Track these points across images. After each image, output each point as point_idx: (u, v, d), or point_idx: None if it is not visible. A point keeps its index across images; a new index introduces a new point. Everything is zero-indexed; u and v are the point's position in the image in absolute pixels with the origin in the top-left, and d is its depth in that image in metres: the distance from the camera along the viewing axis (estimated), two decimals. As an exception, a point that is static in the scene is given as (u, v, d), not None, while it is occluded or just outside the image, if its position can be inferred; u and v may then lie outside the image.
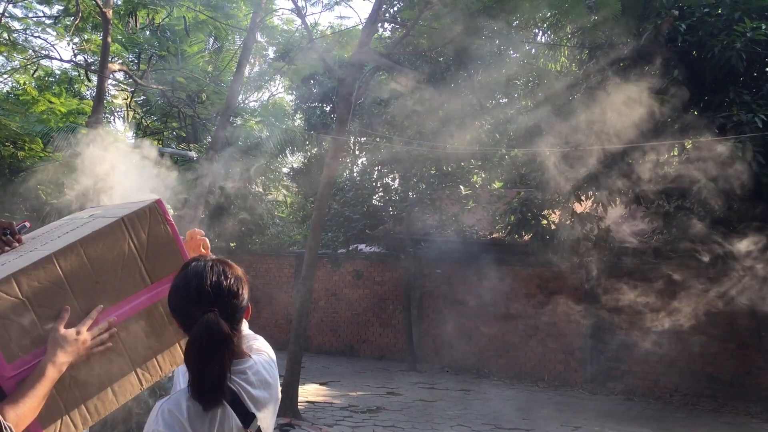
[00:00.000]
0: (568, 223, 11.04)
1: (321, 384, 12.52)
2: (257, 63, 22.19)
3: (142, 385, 2.00)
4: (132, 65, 16.26)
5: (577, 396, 12.31)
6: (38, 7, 15.76)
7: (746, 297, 8.66)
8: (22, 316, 1.75)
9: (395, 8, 13.90)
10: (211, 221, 13.92)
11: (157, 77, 15.25)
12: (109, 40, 11.19)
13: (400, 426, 9.50)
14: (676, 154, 10.36)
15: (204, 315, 1.68)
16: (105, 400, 1.91)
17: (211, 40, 20.21)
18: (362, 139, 17.71)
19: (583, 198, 10.86)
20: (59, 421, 1.82)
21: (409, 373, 14.10)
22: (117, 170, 2.94)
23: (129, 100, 16.67)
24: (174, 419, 1.67)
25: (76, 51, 15.95)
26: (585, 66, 10.73)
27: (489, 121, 14.32)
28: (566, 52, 13.05)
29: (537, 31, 13.50)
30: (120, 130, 19.29)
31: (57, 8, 15.01)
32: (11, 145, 12.39)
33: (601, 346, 13.11)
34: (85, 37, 15.22)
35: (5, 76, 17.42)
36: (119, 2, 14.28)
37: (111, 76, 13.36)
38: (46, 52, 16.94)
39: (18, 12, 16.62)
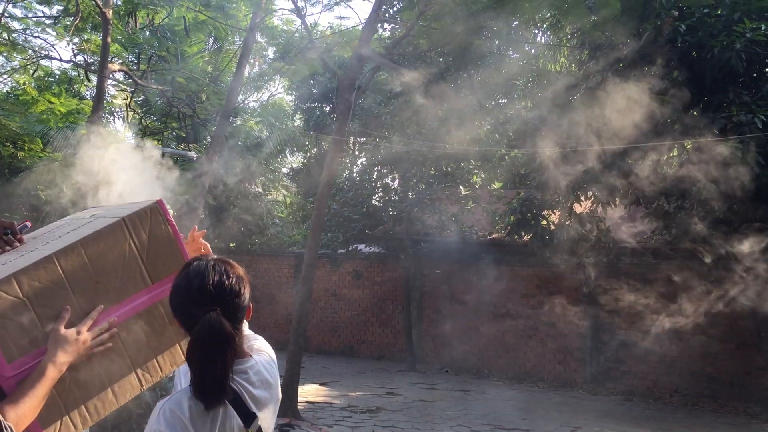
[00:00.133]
0: (567, 223, 11.04)
1: (321, 384, 12.51)
2: (257, 63, 22.19)
3: (142, 385, 2.00)
4: (132, 65, 16.26)
5: (576, 396, 12.31)
6: (38, 7, 15.76)
7: (746, 297, 8.66)
8: (22, 316, 1.75)
9: (395, 8, 13.90)
10: (211, 221, 13.92)
11: (156, 77, 15.24)
12: (109, 40, 11.19)
13: (400, 426, 9.49)
14: (675, 154, 10.36)
15: (206, 314, 1.68)
16: (105, 401, 1.91)
17: (211, 41, 20.21)
18: (362, 139, 17.72)
19: (582, 198, 10.86)
20: (59, 422, 1.82)
21: (409, 373, 14.09)
22: (117, 170, 2.94)
23: (129, 100, 16.66)
24: (176, 419, 1.67)
25: (75, 51, 15.95)
26: (585, 66, 10.73)
27: (489, 121, 14.33)
28: (566, 53, 13.06)
29: (537, 31, 13.51)
30: (120, 130, 19.30)
31: (57, 8, 15.01)
32: (11, 145, 12.38)
33: (600, 347, 13.11)
34: (85, 37, 15.22)
35: (5, 76, 17.42)
36: (119, 2, 14.27)
37: (111, 76, 13.37)
38: (46, 52, 16.94)
39: (18, 12, 16.63)
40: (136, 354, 1.97)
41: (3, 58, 17.16)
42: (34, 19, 15.83)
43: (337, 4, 13.44)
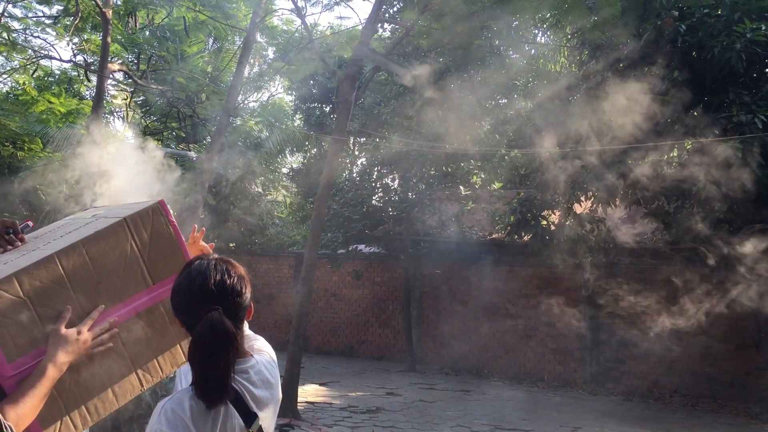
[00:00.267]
0: (567, 223, 11.04)
1: (320, 384, 12.51)
2: (257, 63, 22.20)
3: (142, 385, 2.00)
4: (131, 65, 16.26)
5: (576, 396, 12.30)
6: (38, 7, 15.77)
7: (747, 298, 8.65)
8: (23, 315, 1.75)
9: (395, 8, 13.91)
10: (211, 222, 13.92)
11: (156, 77, 15.24)
12: (109, 40, 11.18)
13: (400, 426, 9.49)
14: (675, 154, 10.36)
15: (208, 313, 1.68)
16: (105, 401, 1.91)
17: (211, 41, 20.22)
18: (362, 139, 17.73)
19: (582, 198, 10.86)
20: (59, 422, 1.82)
21: (409, 373, 14.09)
22: (117, 170, 2.94)
23: (128, 100, 16.67)
24: (177, 418, 1.66)
25: (75, 51, 15.96)
26: (585, 66, 10.73)
27: (489, 121, 14.34)
28: (566, 53, 13.06)
29: (537, 31, 13.52)
30: (120, 130, 19.29)
31: (57, 8, 15.02)
32: (11, 145, 12.39)
33: (600, 347, 13.11)
34: (85, 37, 15.23)
35: (5, 76, 17.42)
36: (119, 2, 14.28)
37: (110, 76, 13.37)
38: (46, 52, 16.94)
39: (18, 12, 16.64)
40: (137, 354, 1.97)
41: (3, 58, 17.17)
42: (34, 19, 15.85)
43: (337, 4, 13.45)
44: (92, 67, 14.68)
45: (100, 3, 10.86)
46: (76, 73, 17.74)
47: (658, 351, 12.01)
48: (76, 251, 1.85)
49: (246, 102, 21.21)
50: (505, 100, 14.61)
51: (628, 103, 8.25)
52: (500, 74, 12.23)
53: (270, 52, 21.57)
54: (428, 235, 14.78)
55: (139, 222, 1.97)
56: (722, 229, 8.91)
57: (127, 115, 18.53)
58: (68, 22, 14.09)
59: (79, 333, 1.81)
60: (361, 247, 15.77)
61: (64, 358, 1.77)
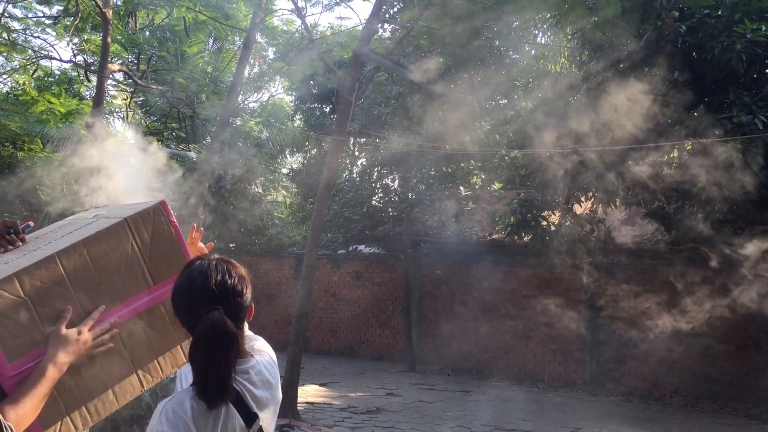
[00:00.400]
0: (567, 224, 11.04)
1: (320, 385, 12.51)
2: (257, 63, 22.21)
3: (143, 386, 2.00)
4: (131, 65, 16.26)
5: (576, 397, 12.30)
6: (38, 7, 15.77)
7: (747, 299, 8.65)
8: (23, 315, 1.75)
9: (395, 9, 13.91)
10: (211, 222, 13.92)
11: (156, 78, 15.24)
12: (109, 40, 11.18)
13: (400, 427, 9.49)
14: (675, 155, 10.36)
15: (209, 313, 1.68)
16: (105, 401, 1.91)
17: (211, 41, 20.23)
18: (362, 139, 17.73)
19: (582, 199, 10.86)
20: (60, 422, 1.82)
21: (409, 374, 14.09)
22: (118, 170, 2.94)
23: (128, 100, 16.67)
24: (178, 418, 1.66)
25: (75, 51, 15.96)
26: (585, 67, 10.72)
27: (489, 121, 14.33)
28: (566, 53, 13.06)
29: (537, 32, 13.51)
30: (120, 130, 19.30)
31: (57, 8, 15.01)
32: (11, 146, 12.39)
33: (600, 347, 13.11)
34: (85, 37, 15.22)
35: (5, 76, 17.42)
36: (119, 2, 14.27)
37: (110, 76, 13.37)
38: (46, 53, 16.94)
39: (18, 12, 16.64)
40: (137, 354, 1.97)
41: (3, 58, 17.17)
42: (34, 19, 15.85)
43: (337, 4, 13.44)
44: (92, 68, 14.68)
45: (100, 3, 10.85)
46: (76, 74, 17.74)
47: (658, 351, 12.01)
48: (77, 251, 1.85)
49: (246, 102, 21.22)
50: (505, 101, 14.61)
51: (628, 104, 8.25)
52: (500, 74, 12.23)
53: (270, 53, 21.60)
54: (428, 236, 14.78)
55: (140, 222, 1.97)
56: (722, 230, 8.90)
57: (127, 115, 18.53)
58: (68, 23, 14.09)
59: (79, 333, 1.81)
60: (361, 247, 15.77)
61: (64, 358, 1.77)
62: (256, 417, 1.78)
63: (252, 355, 1.88)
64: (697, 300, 9.68)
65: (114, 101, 18.69)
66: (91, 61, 15.99)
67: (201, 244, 2.43)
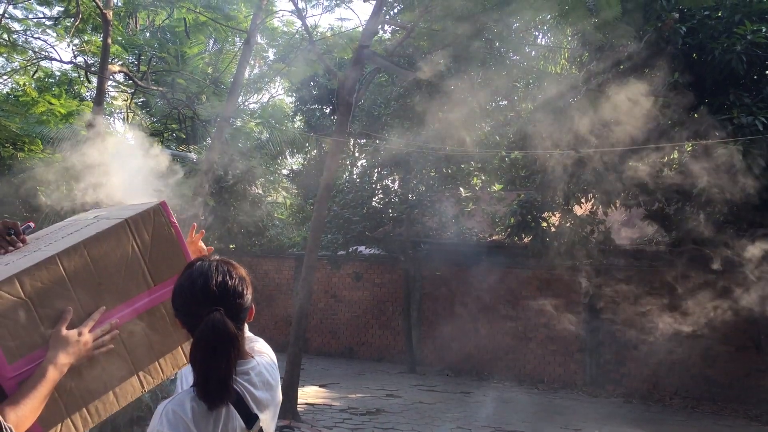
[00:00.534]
0: (568, 225, 11.04)
1: (320, 386, 12.50)
2: (257, 65, 22.22)
3: (143, 387, 2.00)
4: (132, 67, 16.26)
5: (576, 398, 12.30)
6: (38, 8, 15.76)
7: (747, 300, 8.65)
8: (24, 317, 1.74)
9: (395, 10, 13.91)
10: (211, 223, 13.91)
11: (157, 79, 15.24)
12: (109, 41, 11.18)
13: (400, 428, 9.49)
14: (676, 156, 10.36)
15: (210, 314, 1.68)
16: (106, 402, 1.91)
17: (211, 42, 20.23)
18: (362, 140, 17.72)
19: (583, 200, 10.86)
20: (60, 423, 1.81)
21: (409, 375, 14.09)
22: (118, 171, 2.94)
23: (129, 101, 16.67)
24: (178, 419, 1.66)
25: (76, 52, 15.94)
26: (585, 68, 10.73)
27: (489, 122, 14.34)
28: (566, 55, 13.06)
29: (537, 33, 13.52)
30: (120, 131, 19.30)
31: (57, 9, 15.01)
32: (11, 147, 12.38)
33: (600, 349, 13.10)
34: (85, 38, 15.21)
35: (5, 77, 17.43)
36: (120, 4, 14.27)
37: (111, 77, 13.36)
38: (46, 54, 16.93)
39: (18, 13, 16.62)
40: (138, 356, 1.97)
41: (3, 59, 17.18)
42: (35, 20, 15.83)
43: (337, 5, 13.46)
44: (93, 69, 14.67)
45: (100, 4, 10.86)
46: (76, 75, 17.74)
47: (658, 353, 12.00)
48: (78, 252, 1.84)
49: (246, 103, 21.23)
50: (505, 102, 14.62)
51: (629, 105, 8.25)
52: (501, 75, 12.23)
53: (270, 54, 21.60)
54: (428, 237, 14.78)
55: (140, 223, 1.97)
56: (723, 231, 8.91)
57: (128, 116, 18.53)
58: (69, 24, 14.08)
59: (80, 334, 1.81)
60: (361, 248, 15.77)
61: (64, 359, 1.76)
62: (256, 418, 1.78)
63: (252, 357, 1.88)
64: (698, 301, 9.68)
65: (114, 102, 18.69)
66: (92, 62, 15.98)
67: (201, 244, 2.43)
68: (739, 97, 8.98)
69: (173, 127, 18.26)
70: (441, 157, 13.51)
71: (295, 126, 22.57)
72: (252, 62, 20.46)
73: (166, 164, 3.03)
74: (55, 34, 16.14)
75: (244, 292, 1.81)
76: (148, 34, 18.93)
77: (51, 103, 14.64)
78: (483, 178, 16.54)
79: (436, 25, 10.75)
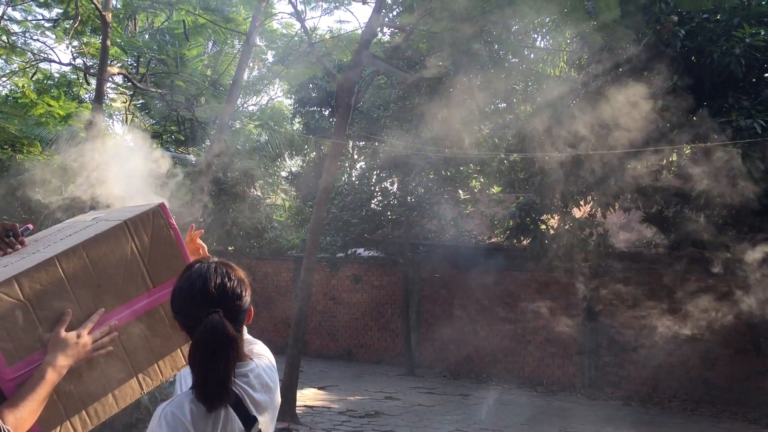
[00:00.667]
0: (566, 228, 11.04)
1: (319, 388, 12.49)
2: (256, 67, 22.22)
3: (142, 389, 1.99)
4: (131, 69, 16.27)
5: (575, 401, 12.29)
6: (37, 10, 15.77)
7: (746, 303, 8.65)
8: (23, 319, 1.74)
9: (394, 12, 13.92)
10: (210, 225, 13.91)
11: (156, 81, 15.24)
12: (108, 43, 11.18)
13: (399, 431, 9.48)
14: (675, 159, 10.36)
15: (208, 316, 1.68)
16: (105, 404, 1.91)
17: (210, 44, 20.24)
18: (361, 143, 17.74)
19: (581, 203, 10.86)
20: (59, 426, 1.81)
21: (408, 377, 14.08)
22: (117, 173, 2.93)
23: (128, 103, 16.67)
24: (177, 422, 1.66)
25: (75, 54, 15.95)
26: (584, 71, 10.74)
27: (488, 125, 14.34)
28: (565, 57, 13.07)
29: (536, 36, 13.52)
30: (119, 133, 19.29)
31: (56, 11, 15.02)
32: (10, 148, 12.38)
33: (599, 351, 13.10)
34: (84, 40, 15.22)
35: (4, 79, 17.43)
36: (119, 5, 14.27)
37: (110, 79, 13.36)
38: (45, 55, 16.94)
39: (17, 15, 16.62)
40: (137, 358, 1.96)
41: (2, 61, 17.17)
42: (34, 22, 15.85)
43: (336, 8, 13.47)
44: (92, 71, 14.68)
45: (99, 6, 10.86)
46: (75, 76, 17.74)
47: (657, 356, 12.00)
48: (77, 254, 1.84)
49: (245, 105, 21.23)
50: (504, 104, 14.62)
51: (628, 108, 8.25)
52: (500, 78, 12.24)
53: (269, 56, 21.61)
54: (427, 239, 14.78)
55: (139, 225, 1.96)
56: (721, 234, 8.91)
57: (127, 118, 18.53)
58: (68, 26, 14.09)
59: (79, 336, 1.80)
60: (360, 250, 15.77)
61: (63, 361, 1.76)
62: (255, 420, 1.77)
63: (251, 359, 1.88)
64: (697, 304, 9.68)
65: (113, 104, 18.68)
66: (91, 64, 15.99)
67: (200, 241, 2.43)
68: (738, 100, 8.99)
69: (172, 129, 18.27)
70: (440, 159, 13.51)
71: (294, 128, 22.58)
72: (251, 64, 20.46)
73: (166, 166, 3.03)
74: (54, 36, 16.17)
75: (243, 293, 1.80)
76: (147, 36, 18.93)
77: (50, 105, 14.65)
78: (482, 180, 16.55)
79: (435, 28, 10.76)
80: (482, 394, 12.54)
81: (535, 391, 13.06)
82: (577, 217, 11.16)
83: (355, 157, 19.92)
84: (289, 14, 25.50)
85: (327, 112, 21.11)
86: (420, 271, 15.41)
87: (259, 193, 18.04)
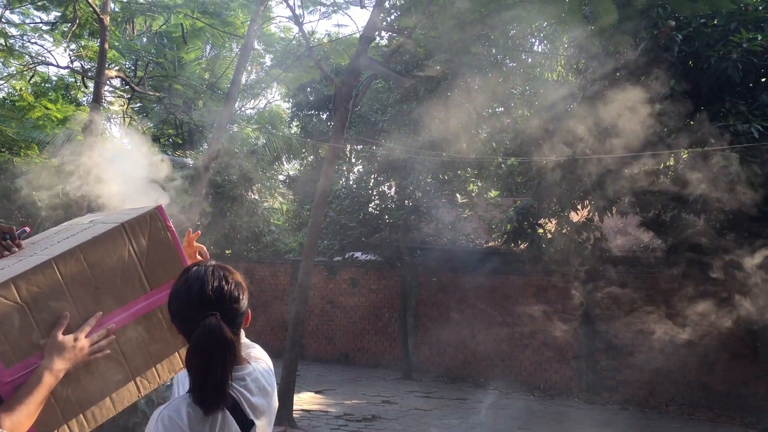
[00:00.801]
0: (564, 232, 11.04)
1: (316, 392, 12.47)
2: (254, 70, 22.23)
3: (140, 392, 1.99)
4: (129, 72, 16.26)
5: (572, 405, 12.28)
6: (35, 13, 15.77)
7: (743, 307, 8.66)
8: (20, 321, 1.73)
9: (392, 17, 13.94)
10: (207, 228, 13.90)
11: (153, 84, 15.24)
12: (106, 46, 11.19)
13: (396, 435, 9.47)
14: (672, 163, 10.38)
15: (206, 319, 1.67)
16: (102, 407, 1.90)
17: (208, 48, 20.25)
18: (359, 146, 17.74)
19: (579, 207, 10.87)
20: (57, 429, 1.80)
21: (405, 381, 14.06)
22: (114, 176, 2.93)
23: (126, 106, 16.66)
24: (174, 425, 1.66)
25: (73, 57, 15.95)
26: (582, 75, 10.75)
27: (485, 129, 14.36)
28: (563, 62, 13.09)
29: (534, 40, 13.54)
30: (117, 136, 19.27)
31: (54, 14, 15.02)
32: (7, 151, 12.37)
33: (596, 356, 13.10)
34: (82, 43, 15.21)
35: (2, 82, 17.40)
36: (117, 9, 14.27)
37: (108, 82, 13.36)
38: (43, 58, 16.91)
39: (15, 18, 16.64)
40: (135, 361, 1.96)
41: (0, 64, 17.15)
42: (32, 25, 15.83)
43: (334, 12, 13.47)
44: (89, 74, 14.67)
45: (97, 9, 10.86)
46: (73, 80, 17.73)
47: (654, 360, 11.99)
48: (74, 257, 1.84)
49: (243, 109, 21.23)
50: (502, 108, 14.64)
51: (625, 112, 8.27)
52: (497, 82, 12.26)
53: (267, 60, 21.61)
54: (425, 243, 14.78)
55: (137, 227, 1.96)
56: (719, 238, 8.92)
57: (125, 121, 18.52)
58: (66, 29, 14.09)
59: (76, 339, 1.80)
60: (358, 254, 15.76)
61: (60, 364, 1.76)
62: (252, 424, 1.77)
63: (249, 362, 1.87)
64: (694, 308, 9.68)
65: (111, 107, 18.67)
66: (89, 67, 15.98)
67: (198, 244, 2.42)
68: (735, 104, 9.01)
69: (170, 132, 18.26)
70: (438, 163, 13.52)
71: (292, 132, 22.59)
72: (249, 68, 20.48)
73: (164, 169, 3.02)
74: (52, 39, 16.13)
75: (240, 297, 1.80)
76: (145, 40, 18.94)
77: (47, 108, 14.64)
78: (479, 184, 16.56)
79: (434, 32, 10.77)
80: (479, 398, 12.53)
81: (532, 395, 13.05)
82: (574, 221, 11.16)
83: (353, 160, 19.93)
84: (287, 18, 25.55)
85: (325, 116, 21.11)
86: (417, 275, 15.40)
87: (256, 197, 18.03)
